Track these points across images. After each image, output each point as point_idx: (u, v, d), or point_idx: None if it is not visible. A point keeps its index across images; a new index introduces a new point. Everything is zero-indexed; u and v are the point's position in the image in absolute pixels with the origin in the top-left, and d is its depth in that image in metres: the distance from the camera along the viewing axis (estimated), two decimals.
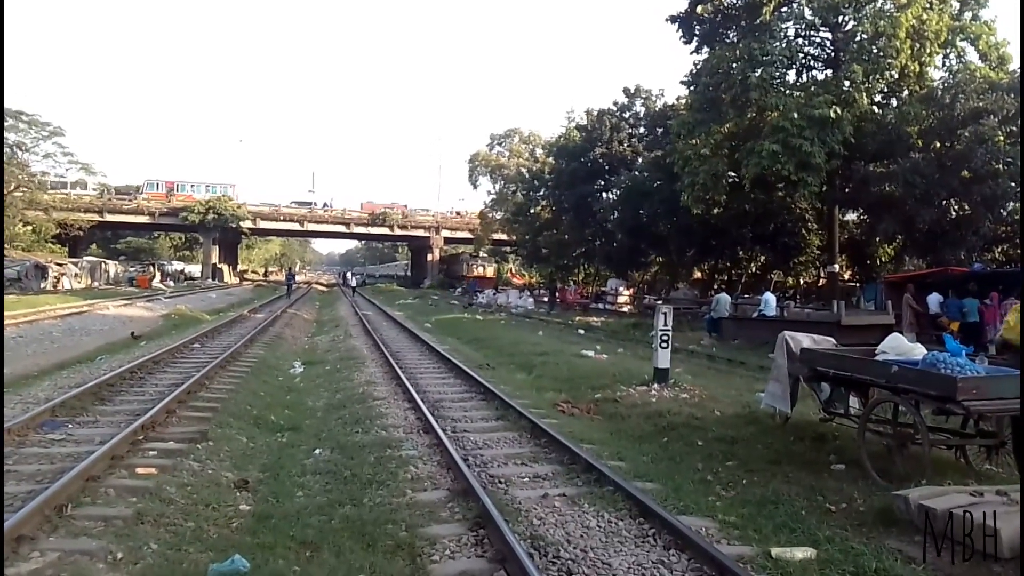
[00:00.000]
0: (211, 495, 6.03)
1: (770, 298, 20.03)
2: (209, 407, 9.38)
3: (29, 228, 48.43)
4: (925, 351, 6.62)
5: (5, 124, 47.54)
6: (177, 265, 68.73)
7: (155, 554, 4.77)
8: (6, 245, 45.26)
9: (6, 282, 35.64)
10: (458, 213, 74.26)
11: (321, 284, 79.96)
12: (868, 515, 5.40)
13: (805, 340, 7.77)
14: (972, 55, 22.61)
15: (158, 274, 56.49)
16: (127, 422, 8.00)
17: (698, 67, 24.62)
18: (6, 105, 49.88)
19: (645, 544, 4.96)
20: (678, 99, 34.39)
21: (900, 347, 6.88)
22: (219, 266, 67.77)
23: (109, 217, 60.57)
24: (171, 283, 54.46)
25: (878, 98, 23.17)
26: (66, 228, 50.73)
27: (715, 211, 24.24)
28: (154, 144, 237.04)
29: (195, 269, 67.95)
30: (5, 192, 44.24)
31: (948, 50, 22.42)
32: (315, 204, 72.97)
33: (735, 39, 23.46)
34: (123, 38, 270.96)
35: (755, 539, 5.09)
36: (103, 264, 53.81)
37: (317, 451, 7.78)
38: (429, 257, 70.95)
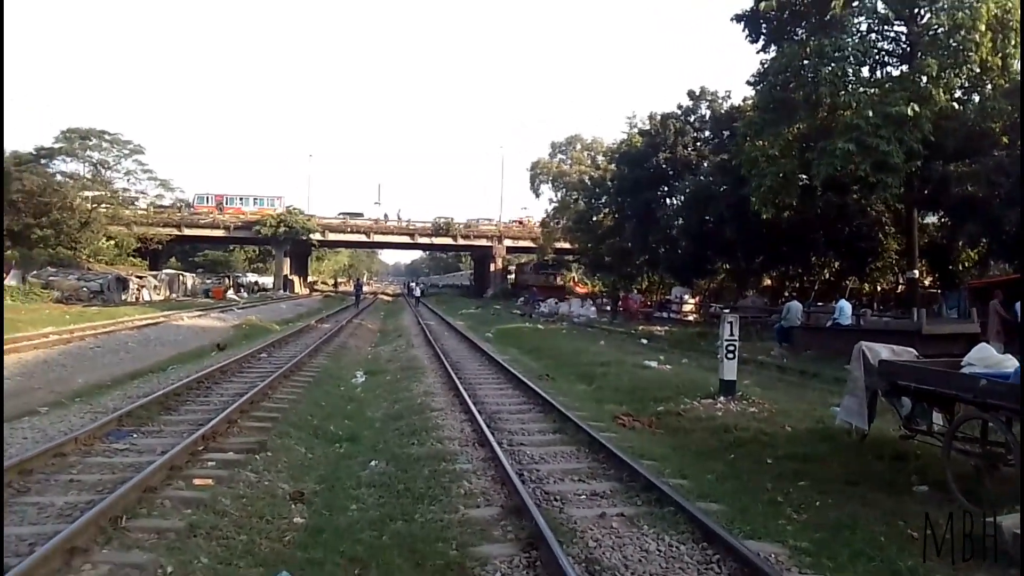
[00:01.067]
0: (266, 507, 6.01)
1: (845, 306, 19.11)
2: (270, 417, 9.48)
3: (112, 243, 50.76)
4: (1017, 363, 6.08)
5: (90, 143, 50.21)
6: (251, 277, 70.90)
7: (205, 568, 4.74)
8: (92, 259, 47.67)
9: (90, 294, 37.42)
10: (520, 222, 74.16)
11: (387, 294, 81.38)
12: (956, 543, 4.93)
13: (883, 351, 7.27)
14: None
15: (232, 286, 58.35)
16: (189, 432, 8.11)
17: (765, 66, 23.89)
18: (91, 125, 52.64)
19: (709, 571, 4.66)
20: (744, 100, 33.54)
21: (988, 359, 6.35)
22: (290, 277, 69.62)
23: (187, 231, 63.04)
24: (244, 294, 56.13)
25: (958, 94, 21.96)
26: (146, 242, 53.03)
27: (785, 215, 23.44)
28: (204, 156, 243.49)
29: (268, 281, 69.95)
30: (90, 207, 46.63)
31: None
32: (362, 215, 73.67)
33: (804, 36, 22.69)
34: (176, 52, 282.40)
35: (829, 568, 4.72)
36: (181, 276, 55.93)
37: (373, 463, 7.73)
38: (492, 266, 71.16)
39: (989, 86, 21.34)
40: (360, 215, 73.90)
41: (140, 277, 46.33)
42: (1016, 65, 21.23)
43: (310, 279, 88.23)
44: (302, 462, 7.75)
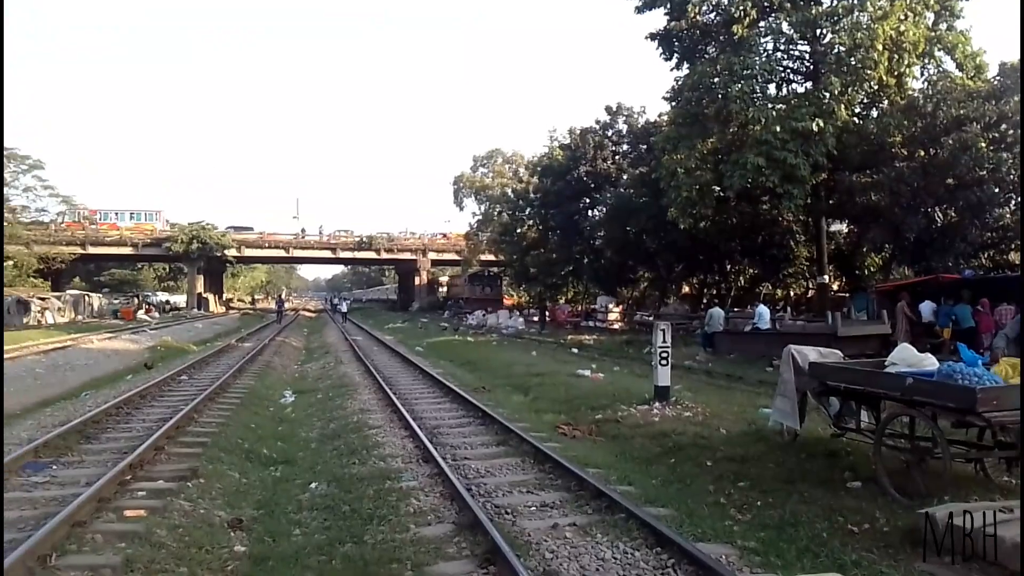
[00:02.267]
0: (204, 536, 5.78)
1: (764, 311, 19.93)
2: (199, 442, 9.09)
3: (11, 263, 47.63)
4: (936, 362, 6.46)
5: None
6: (162, 296, 67.87)
7: None
8: None
9: None
10: (444, 235, 73.85)
11: (308, 310, 79.49)
12: (893, 535, 5.18)
13: (812, 354, 7.59)
14: (949, 65, 22.77)
15: (143, 306, 55.74)
16: (114, 461, 7.70)
17: (679, 83, 24.66)
18: None
19: None
20: (660, 115, 34.49)
21: (910, 358, 6.70)
22: (204, 295, 67.02)
23: (92, 249, 59.75)
24: (156, 314, 53.67)
25: (858, 109, 23.26)
26: (48, 262, 50.02)
27: (702, 225, 24.21)
28: (106, 172, 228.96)
29: (180, 299, 67.17)
30: None
31: (926, 60, 22.54)
32: (252, 229, 70.73)
33: (715, 54, 23.55)
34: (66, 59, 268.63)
35: (779, 566, 4.87)
36: (86, 297, 53.02)
37: (313, 485, 7.52)
38: (417, 280, 70.57)
39: (886, 102, 22.74)
40: (250, 229, 70.64)
41: (43, 299, 43.68)
42: (911, 82, 22.71)
43: (226, 297, 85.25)
44: (237, 488, 7.47)
